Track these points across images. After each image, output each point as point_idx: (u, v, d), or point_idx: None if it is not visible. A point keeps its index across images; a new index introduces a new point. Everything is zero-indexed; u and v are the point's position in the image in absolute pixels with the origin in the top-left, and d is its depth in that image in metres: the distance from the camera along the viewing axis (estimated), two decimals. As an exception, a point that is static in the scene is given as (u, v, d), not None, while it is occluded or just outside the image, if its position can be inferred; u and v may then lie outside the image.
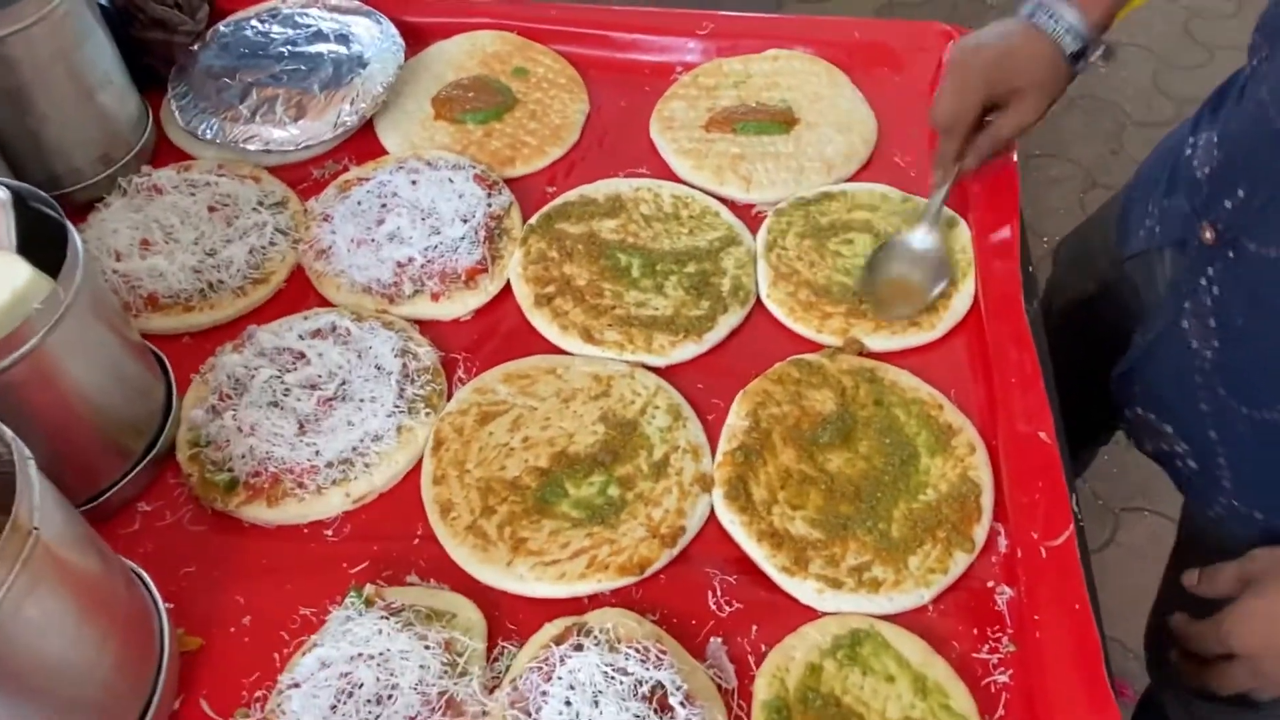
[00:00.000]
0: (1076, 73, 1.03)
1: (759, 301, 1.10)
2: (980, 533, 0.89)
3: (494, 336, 1.08)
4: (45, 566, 0.65)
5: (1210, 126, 0.94)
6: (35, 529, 0.63)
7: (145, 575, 0.84)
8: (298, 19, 1.31)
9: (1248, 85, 0.89)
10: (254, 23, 1.32)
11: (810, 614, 0.86)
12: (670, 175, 1.22)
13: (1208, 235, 0.88)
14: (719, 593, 0.88)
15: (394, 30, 1.30)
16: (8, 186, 0.86)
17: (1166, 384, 0.98)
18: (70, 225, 0.84)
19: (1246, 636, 0.84)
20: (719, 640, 0.84)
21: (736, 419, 0.98)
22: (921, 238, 1.09)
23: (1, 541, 0.60)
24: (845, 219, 1.15)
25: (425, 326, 1.08)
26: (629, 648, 0.79)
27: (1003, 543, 0.90)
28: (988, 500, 0.91)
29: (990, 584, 0.88)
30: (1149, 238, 1.03)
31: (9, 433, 0.67)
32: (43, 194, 0.86)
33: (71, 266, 0.81)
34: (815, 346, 1.05)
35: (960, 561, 0.87)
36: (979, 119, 1.06)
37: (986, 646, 0.84)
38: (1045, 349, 1.00)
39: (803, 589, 0.86)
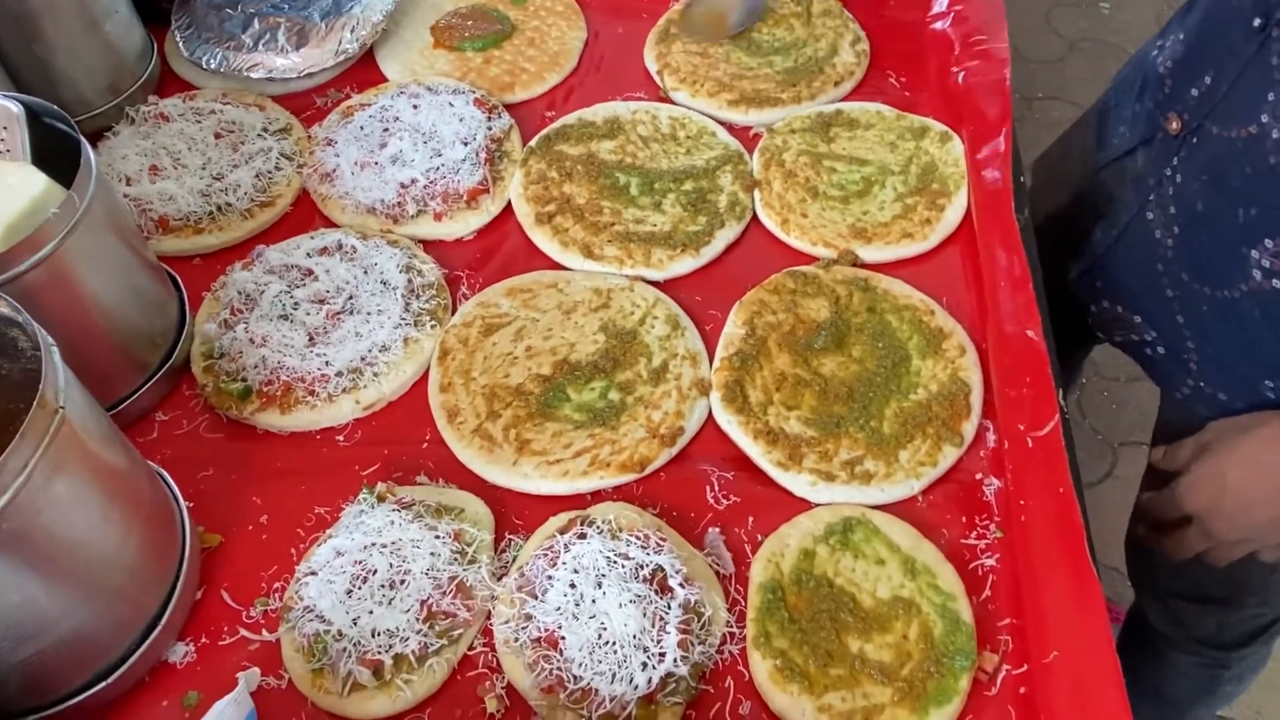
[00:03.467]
0: None
1: (755, 217, 1.12)
2: (969, 429, 0.92)
3: (496, 254, 1.11)
4: (71, 447, 0.68)
5: (1179, 29, 0.98)
6: (61, 408, 0.66)
7: (166, 475, 0.87)
8: (297, -52, 1.33)
9: None
10: (254, -47, 1.33)
11: (804, 506, 0.89)
12: (666, 99, 1.24)
13: (1174, 125, 0.93)
14: (716, 488, 0.91)
15: (393, -42, 1.31)
16: (21, 101, 0.88)
17: (1133, 275, 1.02)
18: (83, 138, 0.86)
19: (1196, 498, 0.92)
20: (717, 530, 0.87)
21: (733, 327, 1.01)
22: None
23: (29, 418, 0.63)
24: (841, 135, 1.17)
25: (429, 246, 1.10)
26: (631, 536, 0.82)
27: (991, 438, 0.93)
28: (977, 398, 0.94)
29: (979, 476, 0.91)
30: (1121, 143, 1.06)
31: (33, 322, 0.70)
32: (56, 109, 0.89)
33: (85, 175, 0.83)
34: (810, 259, 1.08)
35: (949, 455, 0.90)
36: None
37: (974, 533, 0.87)
38: (1035, 254, 1.02)
39: (797, 482, 0.89)
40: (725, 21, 1.23)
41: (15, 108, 0.87)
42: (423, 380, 0.99)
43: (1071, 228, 1.17)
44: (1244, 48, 0.84)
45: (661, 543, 0.82)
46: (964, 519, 0.88)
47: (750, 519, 0.89)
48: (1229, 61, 0.87)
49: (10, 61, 1.12)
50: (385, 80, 1.27)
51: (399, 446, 0.95)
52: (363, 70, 1.29)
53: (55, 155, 0.88)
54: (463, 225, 1.11)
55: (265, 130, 1.17)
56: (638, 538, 0.82)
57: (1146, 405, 2.43)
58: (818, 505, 0.89)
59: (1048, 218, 1.24)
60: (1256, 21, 0.83)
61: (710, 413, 0.96)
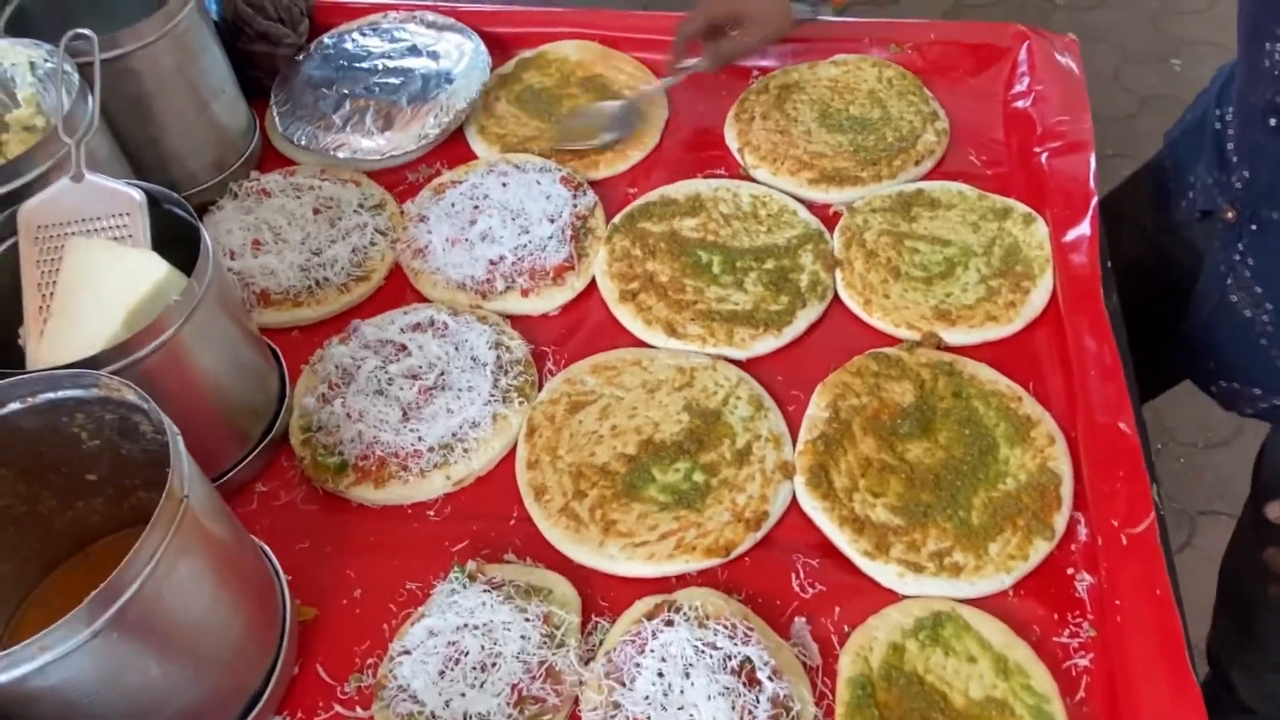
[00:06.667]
0: (799, 22, 1.25)
1: (836, 297, 1.13)
2: (1060, 521, 0.91)
3: (581, 330, 1.13)
4: (192, 532, 0.71)
5: (1228, 102, 1.01)
6: (186, 497, 0.69)
7: (267, 548, 0.90)
8: (395, 33, 1.39)
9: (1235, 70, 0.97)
10: (355, 35, 1.39)
11: (892, 597, 0.88)
12: (747, 177, 1.26)
13: (1229, 215, 0.96)
14: (802, 575, 0.91)
15: (483, 48, 1.36)
16: (143, 188, 0.93)
17: (1236, 351, 1.04)
18: (201, 225, 0.91)
19: None
20: (803, 620, 0.87)
21: (817, 409, 1.01)
22: (616, 105, 1.31)
23: (159, 508, 0.67)
24: (922, 215, 1.18)
25: (516, 321, 1.13)
26: (718, 624, 0.83)
27: (1083, 531, 0.92)
28: (1067, 490, 0.93)
29: (1070, 571, 0.90)
30: (1189, 208, 1.09)
31: (159, 412, 0.73)
32: (176, 196, 0.94)
33: (204, 263, 0.88)
34: (893, 340, 1.08)
35: (1040, 549, 0.89)
36: (714, 30, 1.25)
37: (1067, 631, 0.86)
38: (1125, 341, 1.02)
39: (884, 573, 0.89)
40: (595, 136, 1.30)
41: (138, 195, 0.92)
42: (510, 456, 1.02)
43: (1145, 279, 1.17)
44: (1272, 147, 0.86)
45: (749, 632, 0.83)
46: (1055, 616, 0.87)
47: (836, 609, 0.88)
48: (1260, 159, 0.90)
49: (124, 140, 1.18)
50: (474, 156, 1.31)
51: (487, 523, 0.97)
52: (453, 146, 1.33)
53: (166, 234, 0.93)
54: (548, 301, 1.14)
55: (361, 206, 1.22)
56: (725, 626, 0.83)
57: (1226, 472, 2.36)
58: (906, 597, 0.88)
59: (1124, 263, 1.24)
60: (1272, 121, 0.87)
61: (794, 497, 0.96)
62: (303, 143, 1.30)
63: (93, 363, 0.81)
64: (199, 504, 0.73)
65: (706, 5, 1.24)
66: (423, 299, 1.16)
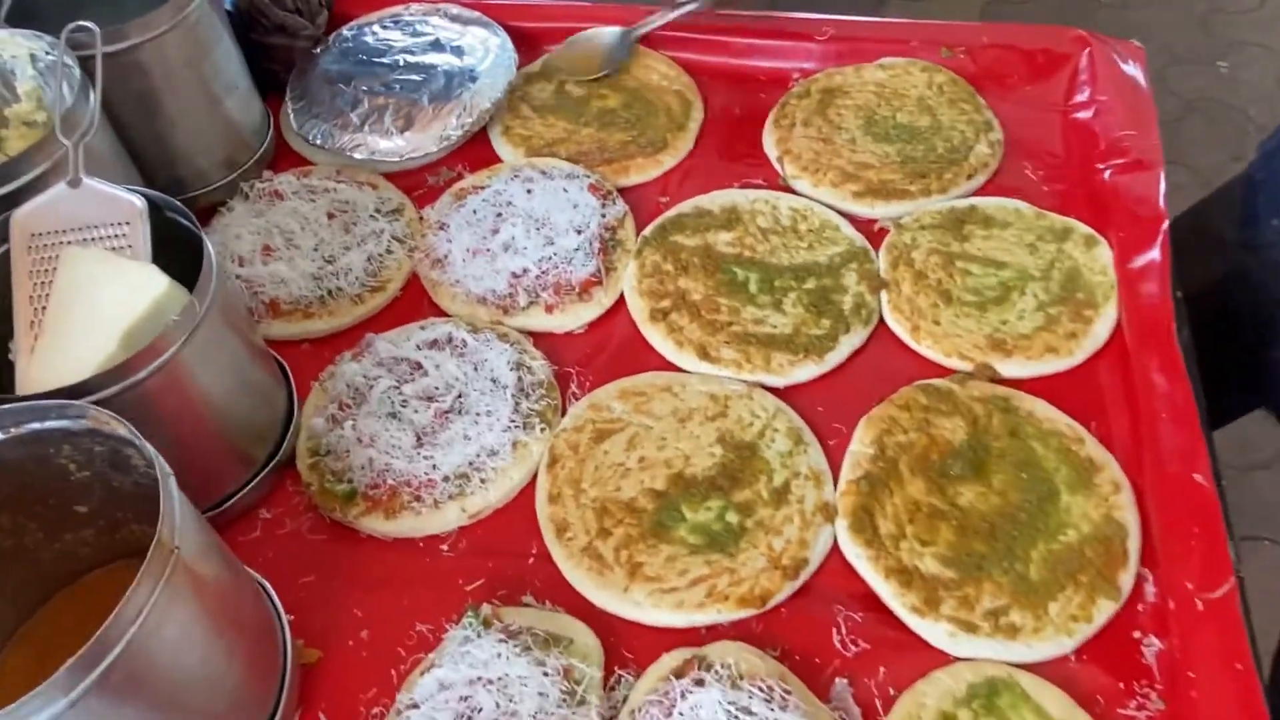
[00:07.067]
0: None
1: (882, 321, 1.06)
2: (1126, 579, 0.84)
3: (607, 350, 1.06)
4: (183, 583, 0.65)
5: None
6: (176, 548, 0.63)
7: (268, 586, 0.84)
8: (418, 27, 1.32)
9: None
10: (375, 28, 1.32)
11: (942, 658, 0.81)
12: (786, 187, 1.19)
13: None
14: (844, 630, 0.84)
15: (510, 44, 1.29)
16: (144, 195, 0.87)
17: None
18: (205, 237, 0.84)
19: None
20: (844, 681, 0.81)
21: (860, 446, 0.94)
22: (614, 32, 1.27)
23: (146, 560, 0.60)
24: (975, 234, 1.10)
25: (538, 338, 1.06)
26: (752, 686, 0.76)
27: (1150, 590, 0.84)
28: (1134, 545, 0.86)
29: (1137, 635, 0.82)
30: (1274, 238, 1.01)
31: (151, 449, 0.67)
32: (178, 204, 0.88)
33: (206, 279, 0.82)
34: (943, 370, 1.01)
35: (1105, 609, 0.82)
36: None
37: (1134, 703, 0.79)
38: (1198, 381, 0.94)
39: (934, 631, 0.82)
40: (594, 69, 1.30)
41: (139, 202, 0.86)
42: (530, 488, 0.95)
43: (1221, 302, 1.09)
44: None
45: (786, 696, 0.76)
46: (1121, 684, 0.80)
47: (881, 669, 0.82)
48: None
49: (130, 136, 1.11)
50: (498, 160, 1.25)
51: (504, 559, 0.91)
52: (476, 148, 1.26)
53: (172, 235, 0.87)
54: (574, 318, 1.07)
55: (378, 211, 1.16)
56: (760, 689, 0.76)
57: (1268, 495, 2.27)
58: (958, 659, 0.81)
59: (1198, 284, 1.15)
60: None
61: (836, 541, 0.89)
62: (318, 141, 1.24)
63: (86, 387, 0.76)
64: (192, 549, 0.67)
65: None
66: (440, 312, 1.09)
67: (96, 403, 0.75)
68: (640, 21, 1.28)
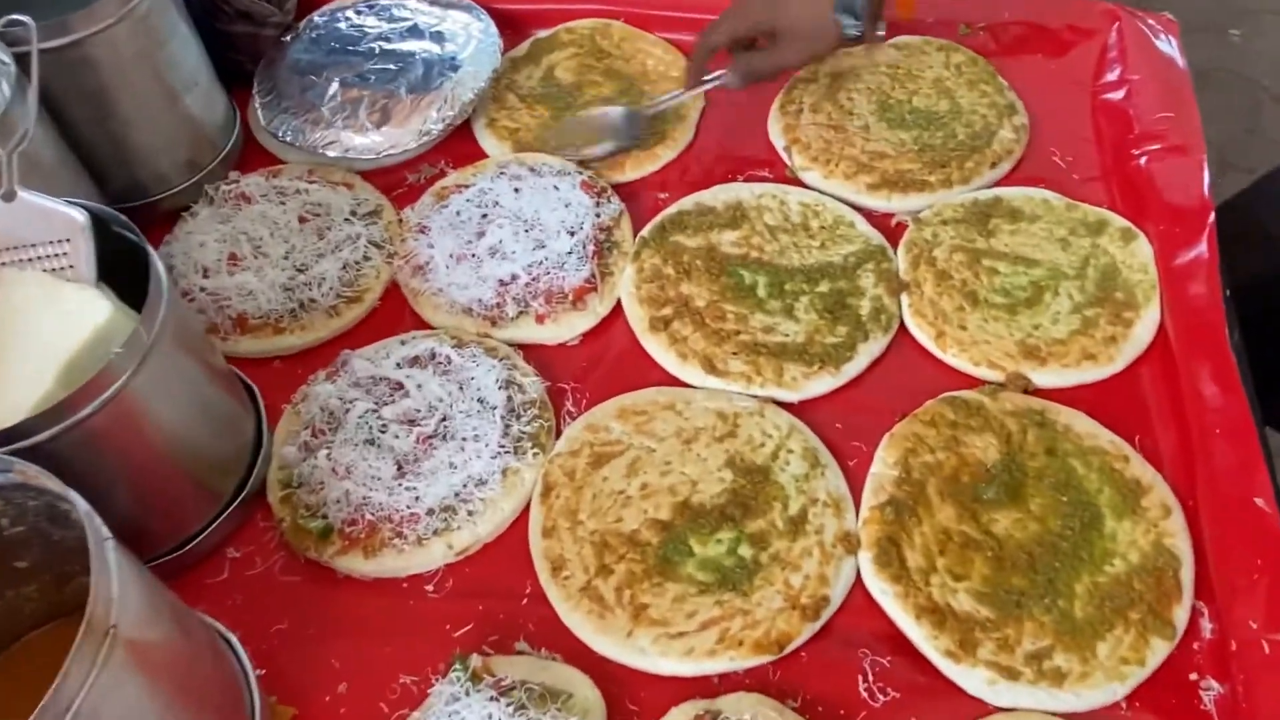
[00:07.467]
0: (847, 40, 1.02)
1: (903, 327, 0.97)
2: (1181, 615, 0.76)
3: (604, 364, 0.98)
4: (124, 660, 0.57)
5: None
6: (113, 626, 0.55)
7: (234, 640, 0.76)
8: (395, 11, 1.22)
9: None
10: (349, 14, 1.23)
11: (980, 708, 0.74)
12: (795, 180, 1.10)
13: None
14: (870, 677, 0.76)
15: (494, 29, 1.19)
16: (87, 209, 0.78)
17: None
18: (153, 253, 0.76)
19: None
20: (873, 736, 0.73)
21: (884, 467, 0.86)
22: (619, 112, 1.13)
23: (76, 643, 0.52)
24: (1002, 229, 1.01)
25: (529, 351, 0.98)
26: (772, 745, 0.69)
27: (1206, 626, 0.76)
28: (1188, 575, 0.78)
29: (1193, 677, 0.75)
30: None
31: (85, 507, 0.59)
32: (123, 218, 0.78)
33: (155, 301, 0.73)
34: (971, 381, 0.92)
35: (1159, 650, 0.75)
36: (745, 42, 1.07)
37: (1195, 756, 0.71)
38: (1252, 389, 0.86)
39: (971, 678, 0.74)
40: (594, 143, 1.13)
41: (80, 216, 0.77)
42: (522, 520, 0.87)
43: (1272, 297, 1.00)
44: None
45: (810, 756, 0.68)
46: (1178, 735, 0.72)
47: (913, 721, 0.74)
48: None
49: (81, 137, 1.02)
50: (483, 155, 1.15)
51: (496, 601, 0.83)
52: (459, 142, 1.17)
53: (121, 252, 0.78)
54: (567, 329, 0.99)
55: (353, 214, 1.07)
56: (781, 749, 0.69)
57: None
58: (998, 709, 0.73)
59: (1249, 278, 1.07)
60: None
61: (859, 574, 0.82)
62: (288, 138, 1.14)
63: (21, 430, 0.67)
64: (134, 619, 0.58)
65: (734, 14, 1.05)
66: (422, 324, 1.01)
67: (35, 446, 0.68)
68: (646, 104, 1.15)
